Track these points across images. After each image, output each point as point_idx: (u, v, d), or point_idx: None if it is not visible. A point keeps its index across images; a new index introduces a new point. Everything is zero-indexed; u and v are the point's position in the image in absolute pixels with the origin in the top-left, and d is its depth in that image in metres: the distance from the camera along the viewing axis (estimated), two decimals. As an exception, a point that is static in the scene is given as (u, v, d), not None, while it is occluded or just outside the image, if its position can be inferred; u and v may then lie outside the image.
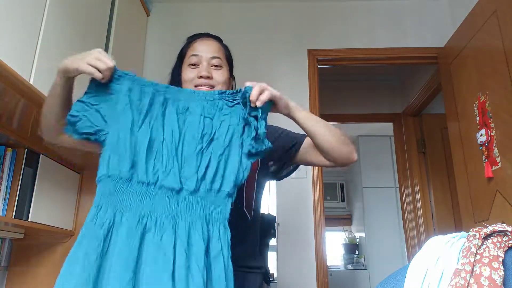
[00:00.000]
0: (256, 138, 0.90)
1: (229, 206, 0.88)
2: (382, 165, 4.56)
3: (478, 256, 0.68)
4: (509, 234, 0.70)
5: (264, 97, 0.92)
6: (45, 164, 1.80)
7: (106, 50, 1.91)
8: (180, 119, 0.91)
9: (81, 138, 0.90)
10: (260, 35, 2.54)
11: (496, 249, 0.68)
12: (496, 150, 1.77)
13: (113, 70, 0.93)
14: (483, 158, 1.87)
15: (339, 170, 5.39)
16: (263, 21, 2.58)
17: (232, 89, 1.14)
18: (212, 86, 1.08)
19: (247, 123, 0.93)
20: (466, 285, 0.65)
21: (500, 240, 0.70)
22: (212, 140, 0.91)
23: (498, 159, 1.75)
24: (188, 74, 1.10)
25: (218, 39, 1.20)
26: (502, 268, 0.66)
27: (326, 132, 1.03)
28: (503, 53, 1.73)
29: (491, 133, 1.81)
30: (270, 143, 0.92)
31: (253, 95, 0.92)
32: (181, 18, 2.60)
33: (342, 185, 5.45)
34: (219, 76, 1.10)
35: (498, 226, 0.71)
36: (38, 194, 1.74)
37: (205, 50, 1.12)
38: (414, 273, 0.75)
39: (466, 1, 2.16)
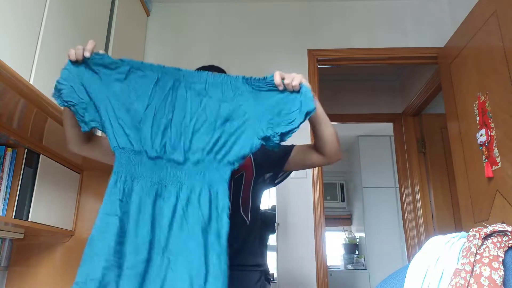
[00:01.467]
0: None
1: (229, 172, 0.98)
2: (382, 165, 4.55)
3: (478, 256, 0.68)
4: (509, 234, 0.70)
5: (296, 82, 0.99)
6: (45, 164, 1.80)
7: (106, 50, 1.91)
8: (195, 101, 1.01)
9: (63, 105, 1.01)
10: (260, 35, 2.54)
11: (496, 249, 0.68)
12: (496, 150, 1.77)
13: (88, 52, 1.02)
14: (483, 158, 1.87)
15: (339, 170, 5.39)
16: (263, 21, 2.58)
17: None
18: None
19: (268, 109, 1.00)
20: (466, 285, 0.65)
21: (500, 240, 0.70)
22: (227, 120, 1.00)
23: (498, 159, 1.75)
24: None
25: (222, 71, 1.30)
26: (502, 268, 0.66)
27: (329, 124, 1.12)
28: (503, 53, 1.73)
29: (491, 133, 1.81)
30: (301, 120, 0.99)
31: (276, 79, 0.99)
32: (181, 18, 2.60)
33: (342, 185, 5.45)
34: None
35: (498, 226, 0.71)
36: (38, 194, 1.75)
37: None
38: (414, 273, 0.75)
39: (466, 1, 2.16)
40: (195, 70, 1.19)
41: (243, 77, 1.03)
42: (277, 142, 0.99)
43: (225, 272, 0.90)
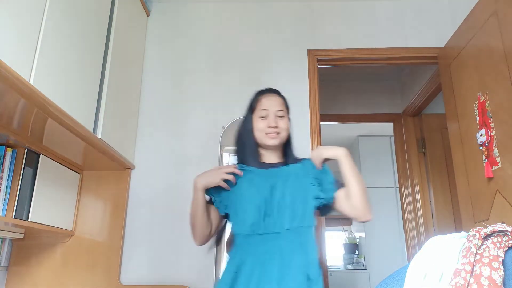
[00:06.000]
0: (324, 189, 1.37)
1: (312, 233, 1.31)
2: (382, 165, 4.55)
3: (478, 256, 0.68)
4: (509, 234, 0.70)
5: (318, 163, 1.38)
6: (45, 164, 1.80)
7: (106, 50, 1.91)
8: (283, 187, 1.33)
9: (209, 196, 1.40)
10: (260, 35, 2.54)
11: (496, 249, 0.68)
12: (496, 150, 1.77)
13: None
14: (483, 158, 1.87)
15: (339, 170, 5.38)
16: (263, 21, 2.58)
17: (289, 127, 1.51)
18: (278, 133, 1.41)
19: (315, 179, 1.38)
20: (466, 285, 0.65)
21: (500, 240, 0.70)
22: (299, 194, 1.33)
23: (498, 159, 1.75)
24: (259, 125, 1.43)
25: (278, 93, 1.51)
26: (502, 268, 0.66)
27: (358, 182, 1.35)
28: (503, 53, 1.73)
29: (491, 133, 1.81)
30: (331, 193, 1.37)
31: (315, 164, 1.39)
32: (181, 18, 2.60)
33: (342, 185, 5.44)
34: (284, 124, 1.43)
35: (498, 226, 0.71)
36: (38, 194, 1.75)
37: (271, 105, 1.44)
38: (414, 273, 0.75)
39: (466, 1, 2.16)
40: (255, 93, 1.51)
41: (293, 164, 1.42)
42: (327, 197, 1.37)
43: None
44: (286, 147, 1.48)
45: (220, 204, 1.37)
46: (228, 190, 1.36)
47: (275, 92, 1.50)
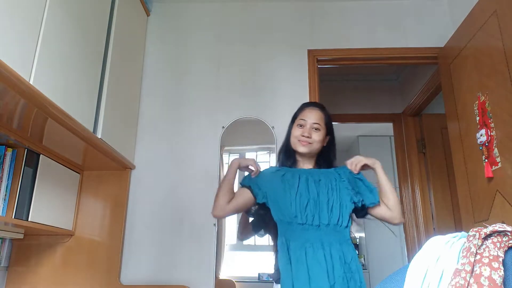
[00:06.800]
0: (359, 192, 1.51)
1: (348, 233, 1.43)
2: (382, 165, 4.55)
3: (478, 256, 0.68)
4: (509, 234, 0.70)
5: (357, 168, 1.55)
6: (45, 164, 1.80)
7: (106, 50, 1.91)
8: (316, 186, 1.47)
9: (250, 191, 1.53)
10: (260, 35, 2.54)
11: (496, 249, 0.68)
12: (496, 150, 1.77)
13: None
14: (483, 158, 1.87)
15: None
16: (263, 21, 2.58)
17: (327, 140, 1.63)
18: (310, 143, 1.55)
19: (349, 184, 1.51)
20: (466, 285, 0.65)
21: (500, 240, 0.70)
22: (333, 195, 1.46)
23: (498, 159, 1.75)
24: (296, 132, 1.58)
25: (321, 107, 1.63)
26: (502, 268, 0.66)
27: (392, 188, 1.54)
28: (503, 53, 1.73)
29: (491, 133, 1.81)
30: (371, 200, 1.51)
31: (352, 168, 1.54)
32: (181, 18, 2.60)
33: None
34: (317, 136, 1.56)
35: (498, 226, 0.71)
36: (38, 194, 1.75)
37: (310, 117, 1.57)
38: (414, 273, 0.75)
39: (466, 1, 2.16)
40: (302, 104, 1.67)
41: (335, 169, 1.56)
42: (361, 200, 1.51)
43: None
44: (321, 157, 1.62)
45: (259, 191, 1.51)
46: (256, 175, 1.53)
47: (318, 106, 1.64)
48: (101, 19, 1.88)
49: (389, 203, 1.49)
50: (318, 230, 1.40)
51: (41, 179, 1.76)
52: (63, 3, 1.50)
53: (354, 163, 1.53)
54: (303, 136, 1.54)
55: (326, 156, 1.62)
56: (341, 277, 1.32)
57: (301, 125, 1.57)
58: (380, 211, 1.50)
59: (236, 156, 2.46)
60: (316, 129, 1.56)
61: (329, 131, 1.62)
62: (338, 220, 1.42)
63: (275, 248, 1.52)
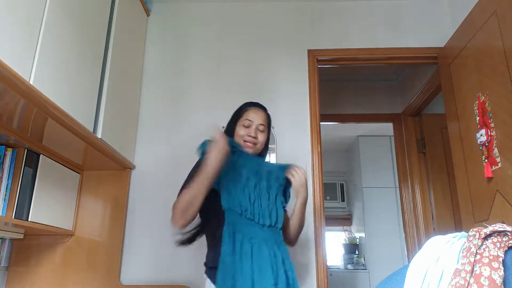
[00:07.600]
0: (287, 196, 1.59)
1: (281, 234, 1.48)
2: (382, 165, 4.55)
3: (478, 256, 0.68)
4: (509, 234, 0.70)
5: (298, 184, 1.55)
6: (45, 164, 1.80)
7: (106, 50, 1.91)
8: (260, 184, 1.48)
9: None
10: (260, 35, 2.54)
11: (496, 249, 0.68)
12: (496, 150, 1.77)
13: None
14: (483, 158, 1.87)
15: (339, 170, 5.39)
16: (263, 21, 2.58)
17: (268, 139, 1.66)
18: (255, 144, 1.56)
19: (281, 186, 1.55)
20: (466, 285, 0.65)
21: (500, 240, 0.70)
22: (272, 198, 1.49)
23: (498, 159, 1.75)
24: (241, 131, 1.57)
25: (265, 109, 1.64)
26: (502, 268, 0.66)
27: (302, 220, 1.61)
28: (503, 53, 1.73)
29: (491, 133, 1.81)
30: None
31: (291, 178, 1.55)
32: (181, 18, 2.60)
33: (342, 185, 5.45)
34: (262, 137, 1.58)
35: (498, 226, 0.71)
36: (38, 194, 1.75)
37: (256, 118, 1.58)
38: (414, 273, 0.75)
39: (466, 1, 2.16)
40: (244, 104, 1.64)
41: (277, 164, 1.61)
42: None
43: None
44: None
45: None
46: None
47: (262, 107, 1.64)
48: (101, 19, 1.88)
49: (290, 227, 1.58)
50: (262, 229, 1.41)
51: (41, 179, 1.76)
52: (63, 3, 1.50)
53: (296, 178, 1.53)
54: (250, 136, 1.55)
55: (263, 151, 1.65)
56: (283, 275, 1.35)
57: (246, 126, 1.57)
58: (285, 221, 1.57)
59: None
60: (262, 130, 1.58)
61: (269, 129, 1.66)
62: (277, 221, 1.45)
63: (214, 239, 1.47)
